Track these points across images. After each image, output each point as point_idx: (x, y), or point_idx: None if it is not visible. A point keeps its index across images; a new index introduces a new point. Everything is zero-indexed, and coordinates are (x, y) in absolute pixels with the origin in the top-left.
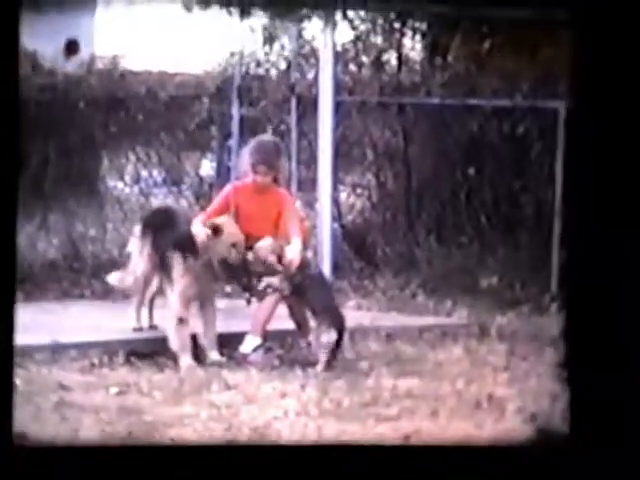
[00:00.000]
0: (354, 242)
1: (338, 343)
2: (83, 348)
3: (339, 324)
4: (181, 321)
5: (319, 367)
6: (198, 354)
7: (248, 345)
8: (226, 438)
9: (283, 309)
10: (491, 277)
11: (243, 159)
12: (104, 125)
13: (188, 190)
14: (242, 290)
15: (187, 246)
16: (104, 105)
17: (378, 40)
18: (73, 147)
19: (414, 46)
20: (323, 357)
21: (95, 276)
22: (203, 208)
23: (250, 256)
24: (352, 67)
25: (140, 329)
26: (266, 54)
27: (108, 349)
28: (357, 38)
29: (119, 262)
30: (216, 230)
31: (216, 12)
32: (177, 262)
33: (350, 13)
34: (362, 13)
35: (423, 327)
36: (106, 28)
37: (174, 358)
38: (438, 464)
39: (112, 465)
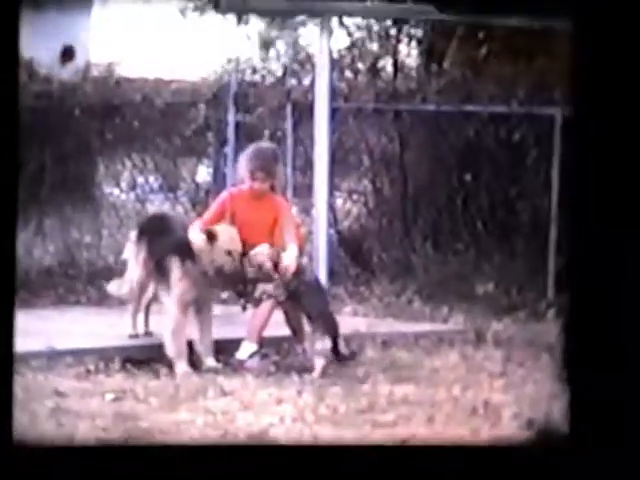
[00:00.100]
0: (350, 248)
1: (335, 350)
2: (79, 354)
3: (333, 331)
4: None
5: (315, 373)
6: (194, 360)
7: (244, 351)
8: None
9: (279, 315)
10: (487, 283)
11: (241, 165)
12: (100, 132)
13: (184, 196)
14: (238, 296)
15: (185, 251)
16: (100, 112)
17: (374, 46)
18: (69, 154)
19: (410, 52)
20: (319, 363)
21: (91, 283)
22: (199, 214)
23: (246, 262)
24: (348, 73)
25: (136, 335)
26: (262, 61)
27: (104, 355)
28: (353, 44)
29: (115, 269)
30: (211, 236)
31: (212, 19)
32: (175, 266)
33: (346, 20)
34: (358, 19)
35: (419, 333)
36: (101, 35)
37: (170, 364)
38: (438, 464)
39: (110, 467)
